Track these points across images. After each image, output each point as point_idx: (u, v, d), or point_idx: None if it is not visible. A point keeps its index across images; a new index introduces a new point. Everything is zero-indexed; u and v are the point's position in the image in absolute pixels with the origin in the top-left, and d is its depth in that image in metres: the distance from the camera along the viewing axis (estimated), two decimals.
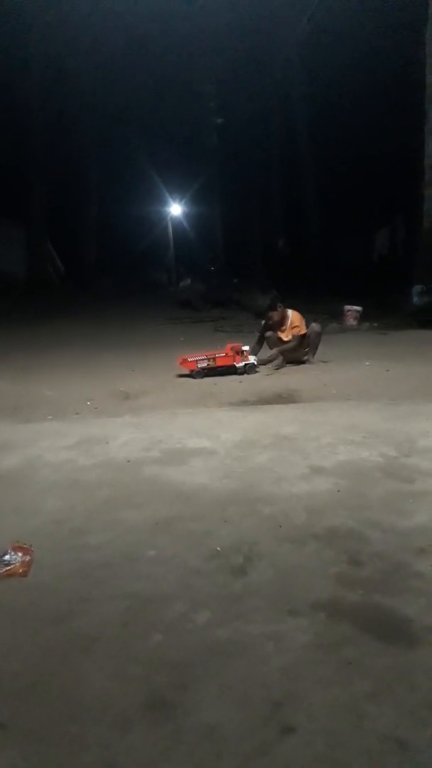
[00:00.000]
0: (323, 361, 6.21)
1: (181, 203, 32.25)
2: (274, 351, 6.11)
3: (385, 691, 1.39)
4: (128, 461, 3.10)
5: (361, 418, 3.73)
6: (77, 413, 4.39)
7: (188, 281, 23.13)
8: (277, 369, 5.92)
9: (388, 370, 5.47)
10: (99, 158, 23.88)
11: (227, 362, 5.79)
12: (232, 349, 5.84)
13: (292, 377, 5.48)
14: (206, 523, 2.32)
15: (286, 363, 6.08)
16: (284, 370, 5.90)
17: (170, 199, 31.53)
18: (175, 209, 32.52)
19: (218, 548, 2.11)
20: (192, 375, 5.66)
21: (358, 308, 9.60)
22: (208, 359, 5.73)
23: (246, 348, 5.94)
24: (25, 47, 19.18)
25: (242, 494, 2.58)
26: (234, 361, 5.79)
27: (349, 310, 9.59)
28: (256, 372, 5.80)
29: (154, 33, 20.87)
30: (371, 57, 16.32)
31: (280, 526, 2.25)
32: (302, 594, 1.80)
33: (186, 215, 32.89)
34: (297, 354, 6.17)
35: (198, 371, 5.68)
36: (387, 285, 12.78)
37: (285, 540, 2.15)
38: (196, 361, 5.70)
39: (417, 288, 10.28)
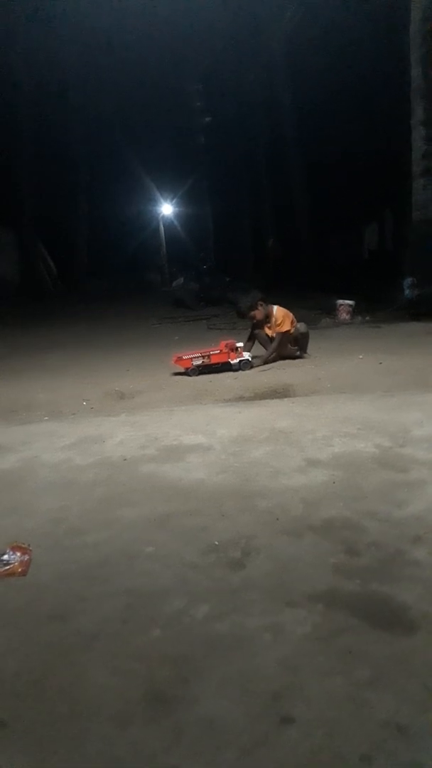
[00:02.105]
0: (308, 355, 6.20)
1: (171, 203, 32.25)
2: (258, 360, 6.03)
3: (384, 678, 1.39)
4: (125, 459, 3.10)
5: (355, 411, 3.74)
6: (73, 414, 4.39)
7: (181, 280, 23.12)
8: (268, 363, 5.92)
9: (381, 363, 5.48)
10: (88, 160, 23.82)
11: (222, 359, 5.79)
12: (226, 346, 5.83)
13: (287, 372, 5.49)
14: (203, 518, 2.32)
15: (279, 358, 6.08)
16: (278, 365, 5.90)
17: (161, 199, 31.52)
18: (166, 209, 32.51)
19: (216, 542, 2.11)
20: (187, 373, 5.67)
21: (351, 302, 9.63)
22: (203, 357, 5.73)
23: (240, 345, 5.95)
24: (11, 51, 19.10)
25: (239, 489, 2.59)
26: (229, 357, 5.80)
27: (341, 305, 9.61)
28: (251, 368, 5.81)
29: (141, 33, 20.82)
30: (357, 52, 16.32)
31: (277, 519, 2.26)
32: (300, 585, 1.80)
33: (177, 215, 32.90)
34: (286, 350, 6.17)
35: (193, 369, 5.68)
36: (378, 279, 12.81)
37: (282, 533, 2.15)
38: (191, 359, 5.71)
39: (408, 281, 10.30)
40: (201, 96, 26.19)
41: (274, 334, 6.09)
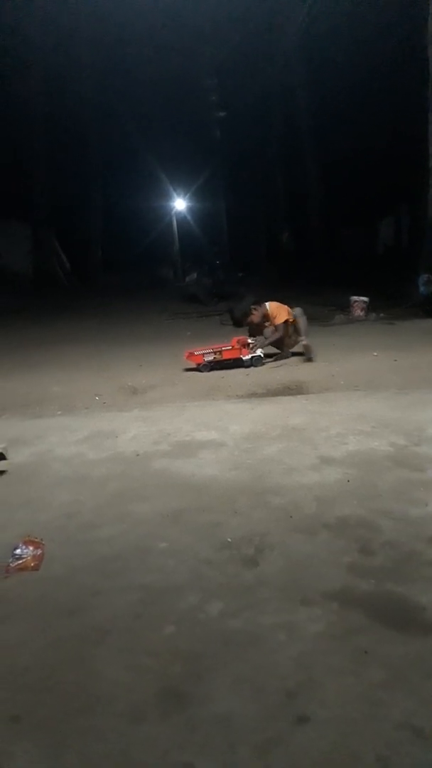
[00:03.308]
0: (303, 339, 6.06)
1: (185, 198, 32.16)
2: (260, 341, 6.00)
3: (399, 679, 1.38)
4: (137, 455, 3.10)
5: (369, 408, 3.71)
6: (86, 408, 4.40)
7: (194, 276, 23.08)
8: (282, 361, 5.89)
9: (395, 360, 5.43)
10: (102, 154, 23.83)
11: (234, 355, 5.77)
12: (238, 342, 5.82)
13: (300, 369, 5.46)
14: (216, 514, 2.31)
15: (290, 354, 6.03)
16: (291, 361, 5.87)
17: (175, 194, 31.45)
18: (180, 204, 32.43)
19: (229, 539, 2.10)
20: (199, 369, 5.66)
21: (365, 299, 9.54)
22: (215, 352, 5.72)
23: (252, 341, 5.93)
24: (26, 44, 19.12)
25: (252, 485, 2.57)
26: (240, 354, 5.78)
27: (355, 301, 9.54)
28: (263, 364, 5.79)
29: (156, 26, 20.75)
30: (373, 46, 16.16)
31: (291, 517, 2.24)
32: (314, 584, 1.79)
33: (190, 210, 32.80)
34: (291, 340, 6.10)
35: (205, 365, 5.67)
36: (393, 275, 12.70)
37: (296, 530, 2.14)
38: (203, 354, 5.70)
39: (423, 277, 10.19)
40: (216, 90, 26.06)
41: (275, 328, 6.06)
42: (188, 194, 31.33)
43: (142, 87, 23.32)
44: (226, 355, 5.73)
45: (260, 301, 6.23)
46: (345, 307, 9.68)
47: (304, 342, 6.00)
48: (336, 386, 4.59)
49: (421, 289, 10.08)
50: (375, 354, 5.81)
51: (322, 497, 2.40)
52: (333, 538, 2.06)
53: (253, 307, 6.18)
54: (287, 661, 1.46)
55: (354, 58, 16.77)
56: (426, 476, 2.55)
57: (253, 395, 4.56)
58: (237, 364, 5.75)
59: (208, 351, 5.72)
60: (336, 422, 3.41)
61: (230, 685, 1.40)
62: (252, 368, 5.67)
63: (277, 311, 6.07)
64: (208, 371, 5.61)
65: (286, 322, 6.03)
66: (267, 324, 6.12)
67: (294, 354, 6.07)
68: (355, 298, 9.59)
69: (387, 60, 15.82)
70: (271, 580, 1.83)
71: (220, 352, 5.73)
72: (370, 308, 9.53)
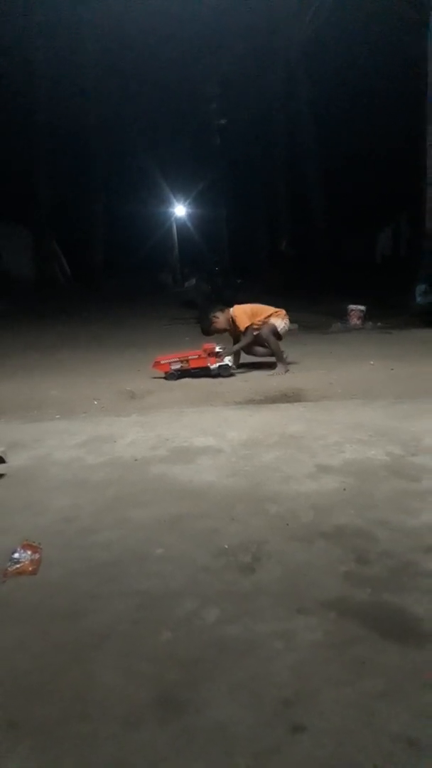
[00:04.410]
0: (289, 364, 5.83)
1: (185, 204, 32.30)
2: (227, 351, 5.73)
3: (396, 690, 1.39)
4: (135, 460, 3.10)
5: (366, 417, 3.72)
6: (85, 412, 4.40)
7: (193, 282, 23.13)
8: (278, 370, 5.67)
9: (392, 369, 5.46)
10: (103, 159, 23.91)
11: (201, 364, 5.59)
12: (205, 350, 5.63)
13: (298, 376, 5.48)
14: (214, 521, 2.32)
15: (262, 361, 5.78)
16: (290, 367, 5.86)
17: (175, 200, 31.60)
18: (180, 210, 32.58)
19: (226, 546, 2.11)
20: (166, 377, 5.57)
21: (362, 308, 9.60)
22: (182, 361, 5.58)
23: (220, 349, 5.70)
24: (28, 50, 19.21)
25: (249, 492, 2.58)
26: (208, 362, 5.59)
27: (353, 310, 9.59)
28: (232, 375, 5.61)
29: (158, 33, 20.88)
30: (373, 56, 16.30)
31: (288, 525, 2.25)
32: (311, 592, 1.80)
33: (190, 216, 32.95)
34: (256, 349, 5.82)
35: (171, 373, 5.55)
36: (391, 284, 12.76)
37: (293, 538, 2.15)
38: (170, 363, 5.58)
39: (420, 287, 10.26)
40: (218, 98, 26.22)
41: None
42: (188, 200, 31.47)
43: (144, 94, 23.44)
44: (192, 364, 5.59)
45: (224, 308, 5.92)
46: (342, 316, 9.74)
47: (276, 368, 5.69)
48: (333, 394, 4.61)
49: (418, 298, 10.15)
50: (372, 363, 5.84)
51: (319, 506, 2.41)
52: (330, 547, 2.07)
53: (213, 315, 5.85)
54: (284, 670, 1.47)
55: (355, 70, 16.90)
56: (422, 486, 2.56)
57: (251, 402, 4.57)
58: (204, 372, 5.61)
59: (174, 360, 5.59)
60: (333, 430, 3.42)
61: (227, 692, 1.41)
62: (247, 375, 5.61)
63: (241, 317, 5.72)
64: (176, 380, 5.52)
65: (248, 327, 5.72)
66: (239, 330, 5.81)
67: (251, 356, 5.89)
68: (352, 306, 9.65)
69: (387, 71, 15.96)
70: (268, 587, 1.84)
71: (187, 360, 5.59)
72: (367, 317, 9.58)
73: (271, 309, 5.90)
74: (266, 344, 5.81)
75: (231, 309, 5.86)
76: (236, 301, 6.19)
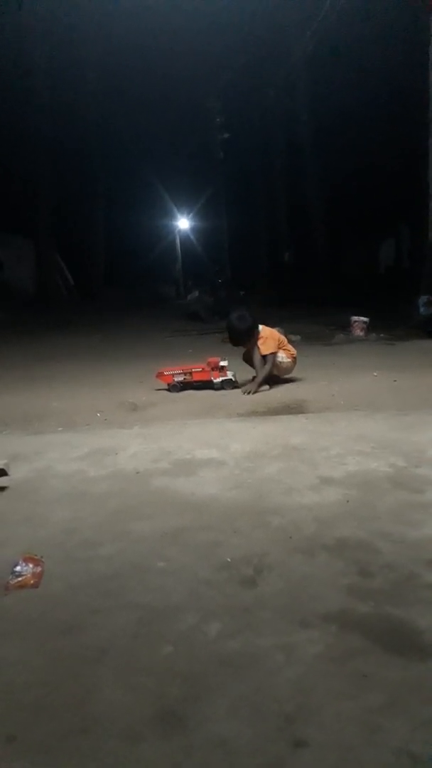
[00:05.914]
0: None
1: (188, 217, 32.52)
2: (251, 386, 5.38)
3: (398, 704, 1.37)
4: (137, 472, 3.10)
5: (369, 429, 3.72)
6: (87, 424, 4.41)
7: (196, 294, 23.24)
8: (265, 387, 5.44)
9: (395, 381, 5.45)
10: (106, 172, 24.14)
11: (204, 377, 5.54)
12: (209, 364, 5.56)
13: (300, 388, 5.48)
14: (216, 533, 2.31)
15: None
16: (292, 379, 5.85)
17: (178, 213, 31.82)
18: (183, 223, 32.80)
19: (228, 559, 2.10)
20: (169, 389, 5.57)
21: (365, 319, 9.61)
22: (185, 373, 5.56)
23: (224, 363, 5.60)
24: (30, 60, 19.44)
25: (252, 505, 2.58)
26: (211, 376, 5.54)
27: (355, 321, 9.60)
28: (235, 388, 5.50)
29: (160, 46, 21.16)
30: (376, 68, 16.46)
31: (290, 537, 2.25)
32: (313, 605, 1.79)
33: (193, 229, 33.17)
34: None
35: (174, 385, 5.55)
36: (393, 296, 12.79)
37: (295, 551, 2.14)
38: (173, 374, 5.57)
39: (423, 299, 10.27)
40: (219, 111, 26.48)
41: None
42: (191, 214, 31.70)
43: (146, 107, 23.70)
44: (195, 377, 5.57)
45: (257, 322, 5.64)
46: (345, 327, 9.75)
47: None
48: (336, 406, 4.61)
49: (421, 310, 10.15)
50: (375, 374, 5.84)
51: (322, 518, 2.40)
52: (332, 560, 2.06)
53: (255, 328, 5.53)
54: (286, 684, 1.46)
55: (356, 81, 17.06)
56: (425, 498, 2.55)
57: (254, 413, 4.57)
58: (207, 386, 5.58)
59: (178, 372, 5.59)
60: (336, 442, 3.42)
61: (228, 707, 1.40)
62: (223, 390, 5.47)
63: (269, 341, 5.46)
64: (178, 392, 5.52)
65: (275, 354, 5.46)
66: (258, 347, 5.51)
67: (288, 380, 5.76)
68: (355, 318, 9.66)
69: (388, 81, 16.10)
70: (269, 601, 1.83)
71: (190, 373, 5.57)
72: (370, 328, 9.59)
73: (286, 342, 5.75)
74: (255, 362, 5.58)
75: (260, 327, 5.59)
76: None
